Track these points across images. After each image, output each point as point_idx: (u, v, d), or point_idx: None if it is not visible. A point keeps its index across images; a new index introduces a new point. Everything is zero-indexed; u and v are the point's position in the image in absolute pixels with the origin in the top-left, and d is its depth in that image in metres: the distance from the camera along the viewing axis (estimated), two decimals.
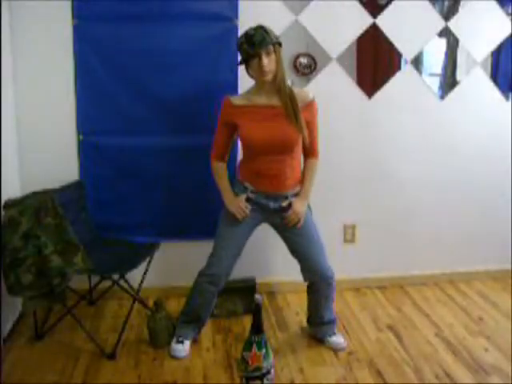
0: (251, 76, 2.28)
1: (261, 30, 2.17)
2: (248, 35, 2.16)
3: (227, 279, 2.44)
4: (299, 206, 2.37)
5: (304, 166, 2.44)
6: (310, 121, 2.33)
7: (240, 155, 2.52)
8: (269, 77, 2.21)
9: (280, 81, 2.23)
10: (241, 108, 2.30)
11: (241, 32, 2.65)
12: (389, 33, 2.89)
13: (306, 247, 2.42)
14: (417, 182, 3.13)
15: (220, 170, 2.42)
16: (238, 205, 2.36)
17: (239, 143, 2.50)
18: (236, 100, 2.32)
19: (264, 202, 2.38)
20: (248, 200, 2.38)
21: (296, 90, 2.33)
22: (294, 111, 2.24)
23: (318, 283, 2.46)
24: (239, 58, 2.25)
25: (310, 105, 2.32)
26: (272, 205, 2.38)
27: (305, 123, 2.27)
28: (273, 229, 2.50)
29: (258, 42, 2.14)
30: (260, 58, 2.15)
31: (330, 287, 2.48)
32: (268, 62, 2.16)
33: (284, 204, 2.38)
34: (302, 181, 2.42)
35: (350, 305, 2.98)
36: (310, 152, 2.41)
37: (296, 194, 2.40)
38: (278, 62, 2.21)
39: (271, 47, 2.17)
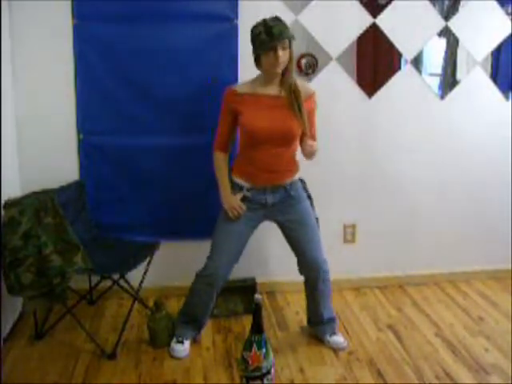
0: (259, 67, 2.28)
1: (280, 22, 2.20)
2: (267, 26, 2.16)
3: (225, 280, 2.44)
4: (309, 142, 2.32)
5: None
6: (311, 111, 2.37)
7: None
8: (280, 69, 2.23)
9: (291, 76, 2.28)
10: (244, 96, 2.30)
11: (241, 32, 2.67)
12: (389, 33, 2.89)
13: (305, 242, 2.43)
14: (417, 182, 3.13)
15: (222, 161, 2.41)
16: (232, 203, 2.35)
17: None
18: (239, 88, 2.33)
19: (262, 197, 2.37)
20: (244, 199, 2.37)
21: (299, 82, 2.36)
22: (298, 104, 2.27)
23: (314, 278, 2.47)
24: (252, 47, 2.25)
25: (311, 96, 2.37)
26: (270, 199, 2.38)
27: (306, 114, 2.30)
28: (277, 226, 2.49)
29: (276, 34, 2.15)
30: (276, 51, 2.17)
31: (325, 282, 2.49)
32: (282, 55, 2.19)
33: (282, 195, 2.37)
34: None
35: (350, 305, 2.97)
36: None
37: (293, 183, 2.39)
38: (291, 56, 2.25)
39: (287, 42, 2.19)
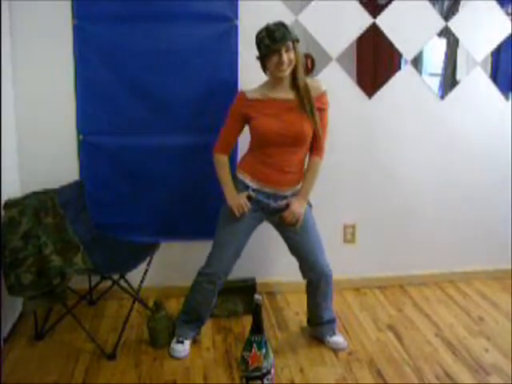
0: (266, 71, 2.30)
1: (282, 26, 2.21)
2: (270, 30, 2.19)
3: (226, 278, 2.44)
4: (297, 207, 2.37)
5: (308, 165, 2.44)
6: (321, 111, 2.35)
7: (240, 152, 2.52)
8: (286, 72, 2.24)
9: (299, 77, 2.28)
10: (255, 101, 2.32)
11: (241, 32, 2.68)
12: (389, 33, 2.89)
13: (305, 246, 2.43)
14: (417, 182, 3.13)
15: (223, 161, 2.40)
16: (238, 201, 2.35)
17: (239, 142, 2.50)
18: (250, 94, 2.34)
19: (265, 201, 2.38)
20: (249, 199, 2.37)
21: (308, 80, 2.36)
22: (309, 104, 2.28)
23: (316, 281, 2.46)
24: (257, 53, 2.27)
25: (321, 96, 2.35)
26: (272, 204, 2.39)
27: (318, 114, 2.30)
28: (273, 228, 2.50)
29: (279, 37, 2.17)
30: (279, 54, 2.19)
31: (328, 285, 2.49)
32: (287, 58, 2.20)
33: (282, 203, 2.38)
34: (303, 180, 2.42)
35: (350, 305, 2.98)
36: (317, 149, 2.41)
37: (295, 194, 2.40)
38: (297, 58, 2.26)
39: (291, 44, 2.21)
